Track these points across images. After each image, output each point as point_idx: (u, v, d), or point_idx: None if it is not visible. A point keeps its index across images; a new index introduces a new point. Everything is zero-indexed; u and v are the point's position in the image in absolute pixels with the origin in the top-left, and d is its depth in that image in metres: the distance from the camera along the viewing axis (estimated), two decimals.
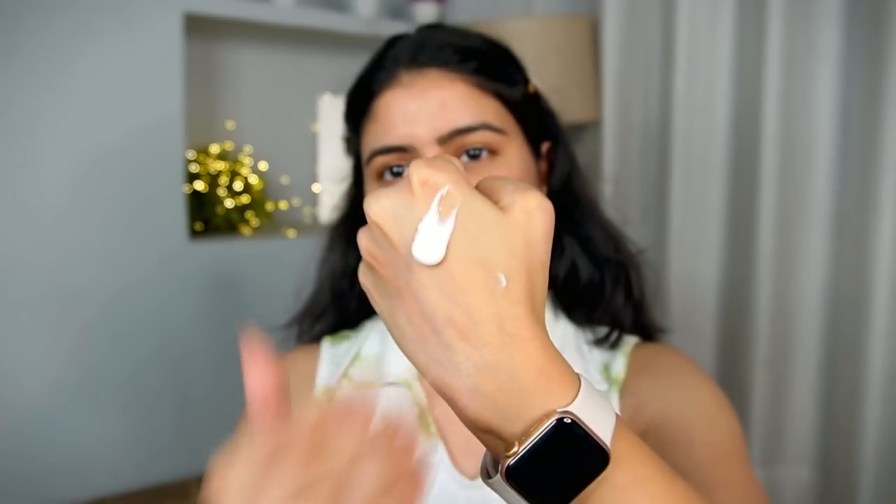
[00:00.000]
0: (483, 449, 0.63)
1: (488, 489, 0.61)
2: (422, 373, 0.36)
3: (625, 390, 0.64)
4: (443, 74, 0.61)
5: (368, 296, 0.38)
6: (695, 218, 1.59)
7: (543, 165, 0.70)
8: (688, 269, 1.60)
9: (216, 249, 1.42)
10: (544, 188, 0.69)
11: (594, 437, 0.33)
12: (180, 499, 1.34)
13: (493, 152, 0.61)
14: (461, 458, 0.63)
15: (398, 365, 0.67)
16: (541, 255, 0.36)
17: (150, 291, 1.34)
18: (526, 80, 0.68)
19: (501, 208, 0.35)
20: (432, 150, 0.59)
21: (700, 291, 1.60)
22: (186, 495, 1.35)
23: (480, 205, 0.34)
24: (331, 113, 1.69)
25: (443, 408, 0.64)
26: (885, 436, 1.29)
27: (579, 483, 0.33)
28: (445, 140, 0.59)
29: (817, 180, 1.39)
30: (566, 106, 1.63)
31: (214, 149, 1.52)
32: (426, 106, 0.60)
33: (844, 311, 1.38)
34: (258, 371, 0.35)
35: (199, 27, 1.45)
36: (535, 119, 0.67)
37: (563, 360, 0.35)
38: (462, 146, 0.60)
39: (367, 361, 0.68)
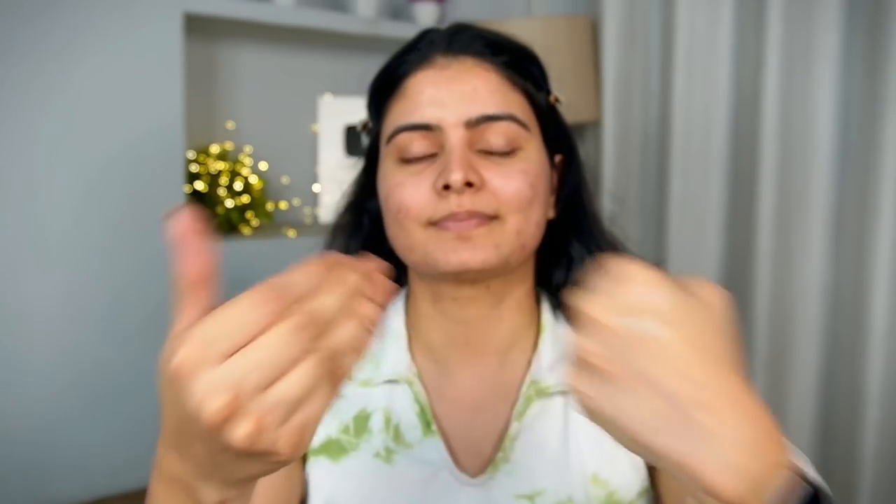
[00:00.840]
0: (483, 448, 0.63)
1: (489, 486, 0.61)
2: (662, 456, 0.36)
3: None
4: (477, 63, 0.63)
5: (585, 400, 0.38)
6: (694, 218, 1.59)
7: (555, 176, 0.69)
8: (687, 269, 1.60)
9: (216, 249, 1.42)
10: (552, 198, 0.68)
11: (820, 485, 0.36)
12: None
13: (515, 148, 0.62)
14: (463, 456, 0.63)
15: (398, 362, 0.66)
16: (731, 331, 0.39)
17: (151, 291, 1.34)
18: (549, 90, 0.68)
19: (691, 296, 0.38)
20: (458, 133, 0.60)
21: None
22: None
23: (682, 294, 0.37)
24: (331, 113, 1.69)
25: (444, 405, 0.64)
26: (883, 437, 1.29)
27: None
28: (473, 125, 0.60)
29: (817, 180, 1.39)
30: (566, 106, 1.63)
31: (215, 149, 1.53)
32: (458, 89, 0.61)
33: (844, 311, 1.38)
34: (191, 252, 0.35)
35: (199, 27, 1.45)
36: (553, 128, 0.68)
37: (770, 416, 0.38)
38: (487, 133, 0.61)
39: (364, 359, 0.67)
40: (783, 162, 1.42)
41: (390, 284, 0.38)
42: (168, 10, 1.32)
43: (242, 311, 0.33)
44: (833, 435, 1.42)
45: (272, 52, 1.64)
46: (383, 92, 0.66)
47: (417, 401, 0.64)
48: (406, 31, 1.63)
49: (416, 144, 0.61)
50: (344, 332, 0.36)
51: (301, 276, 0.35)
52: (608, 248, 0.70)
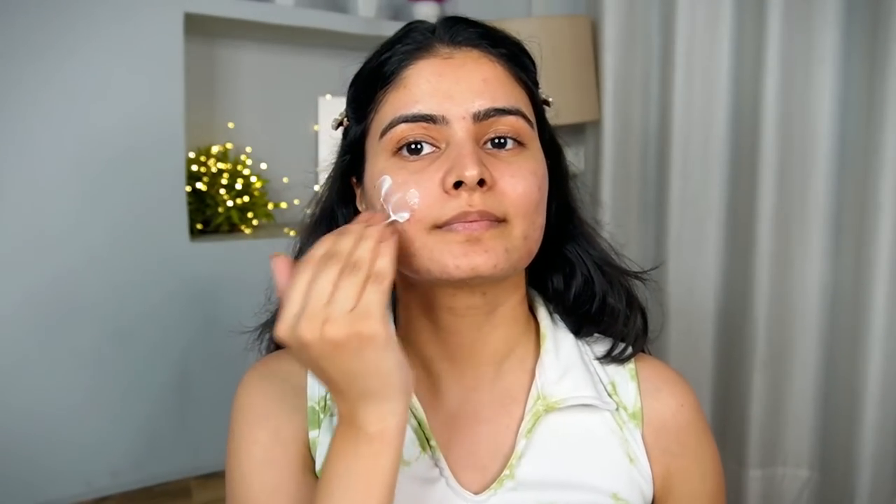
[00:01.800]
0: (485, 462, 0.60)
1: (493, 503, 0.59)
2: None
3: (646, 438, 0.63)
4: (482, 54, 0.59)
5: None
6: (694, 217, 1.59)
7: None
8: (687, 269, 1.60)
9: (217, 249, 1.42)
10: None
11: None
12: (180, 498, 1.34)
13: (520, 144, 0.58)
14: (463, 472, 0.60)
15: None
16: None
17: (151, 291, 1.34)
18: (538, 89, 0.65)
19: None
20: (465, 126, 0.56)
21: (699, 291, 1.60)
22: (186, 495, 1.35)
23: None
24: (331, 113, 1.69)
25: (441, 419, 0.62)
26: (882, 436, 1.29)
27: None
28: (481, 118, 0.56)
29: (817, 180, 1.39)
30: (566, 106, 1.63)
31: (215, 149, 1.53)
32: (467, 80, 0.57)
33: (843, 311, 1.38)
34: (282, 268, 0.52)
35: (199, 27, 1.45)
36: (545, 129, 0.65)
37: None
38: (494, 128, 0.57)
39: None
40: (783, 162, 1.42)
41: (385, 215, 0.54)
42: (168, 10, 1.32)
43: (296, 283, 0.49)
44: (832, 434, 1.42)
45: (272, 52, 1.64)
46: (374, 83, 0.60)
47: (414, 416, 0.61)
48: None
49: (418, 138, 0.56)
50: (359, 249, 0.50)
51: (318, 244, 0.51)
52: (601, 252, 0.67)
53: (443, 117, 0.56)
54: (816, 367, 1.43)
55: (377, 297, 0.49)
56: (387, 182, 0.57)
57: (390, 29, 1.60)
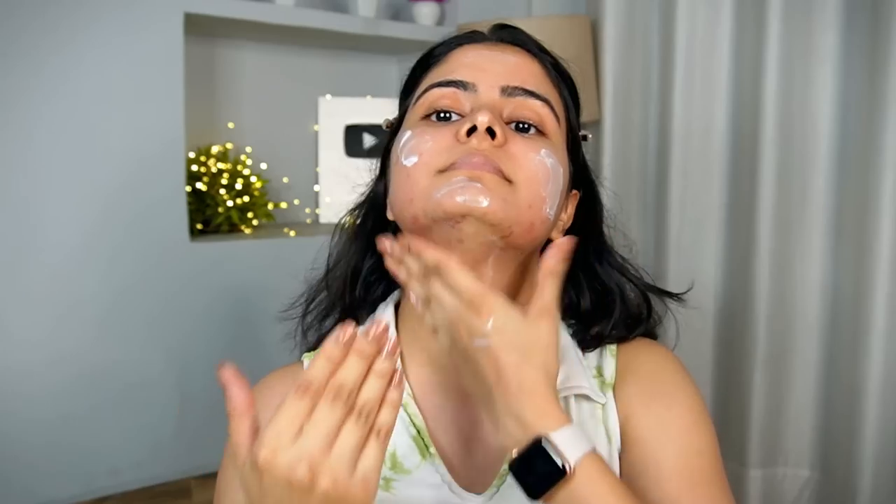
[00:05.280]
0: (488, 462, 0.60)
1: (496, 501, 0.57)
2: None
3: (616, 394, 0.62)
4: (525, 53, 0.63)
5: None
6: (694, 217, 1.59)
7: (568, 207, 0.65)
8: (687, 269, 1.60)
9: (217, 249, 1.42)
10: (559, 222, 0.64)
11: (560, 455, 0.46)
12: (180, 498, 1.34)
13: (542, 134, 0.59)
14: (466, 473, 0.60)
15: None
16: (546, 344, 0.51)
17: (151, 291, 1.34)
18: (580, 123, 0.66)
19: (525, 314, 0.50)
20: (492, 95, 0.58)
21: (699, 291, 1.60)
22: (186, 495, 1.35)
23: (512, 312, 0.50)
24: (331, 113, 1.69)
25: (444, 421, 0.61)
26: (883, 435, 1.29)
27: (545, 484, 0.47)
28: (508, 92, 0.58)
29: (817, 180, 1.39)
30: None
31: (215, 149, 1.53)
32: (503, 61, 0.60)
33: (843, 311, 1.39)
34: (237, 391, 0.45)
35: (199, 27, 1.45)
36: (576, 157, 0.65)
37: (560, 408, 0.50)
38: (520, 111, 0.58)
39: None
40: (783, 162, 1.42)
41: (396, 339, 0.49)
42: (168, 11, 1.32)
43: (290, 408, 0.43)
44: (833, 434, 1.42)
45: (272, 52, 1.64)
46: (421, 67, 0.64)
47: (413, 424, 0.60)
48: (406, 31, 1.63)
49: (447, 102, 0.58)
50: (368, 390, 0.44)
51: (321, 362, 0.44)
52: (615, 284, 0.68)
53: (472, 84, 0.59)
54: (817, 366, 1.43)
55: (379, 458, 0.44)
56: (406, 134, 0.59)
57: (390, 29, 1.60)
